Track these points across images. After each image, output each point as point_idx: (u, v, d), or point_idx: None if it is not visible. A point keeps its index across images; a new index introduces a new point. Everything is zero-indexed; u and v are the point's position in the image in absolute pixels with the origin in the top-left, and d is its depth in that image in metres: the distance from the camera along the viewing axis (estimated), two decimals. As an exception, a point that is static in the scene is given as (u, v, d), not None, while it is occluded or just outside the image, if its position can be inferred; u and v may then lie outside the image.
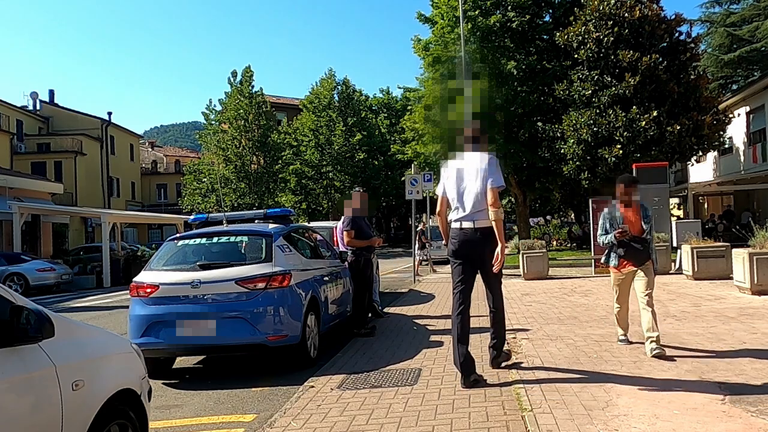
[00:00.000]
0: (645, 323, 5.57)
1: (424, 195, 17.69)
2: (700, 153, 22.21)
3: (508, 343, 6.11)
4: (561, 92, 21.36)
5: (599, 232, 6.01)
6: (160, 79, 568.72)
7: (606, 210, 5.96)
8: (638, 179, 6.01)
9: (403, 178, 24.40)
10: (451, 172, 5.23)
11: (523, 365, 5.42)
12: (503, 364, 5.47)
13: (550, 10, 25.35)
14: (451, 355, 6.10)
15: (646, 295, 5.64)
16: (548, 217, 45.32)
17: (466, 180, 5.11)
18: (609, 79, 20.08)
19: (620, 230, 5.68)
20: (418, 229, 19.99)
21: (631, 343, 6.04)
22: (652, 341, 5.45)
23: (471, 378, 4.93)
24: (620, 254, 5.81)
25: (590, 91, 20.39)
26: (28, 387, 2.55)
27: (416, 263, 17.81)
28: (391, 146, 41.05)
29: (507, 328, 5.80)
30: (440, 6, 24.87)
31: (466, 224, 5.03)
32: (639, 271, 5.74)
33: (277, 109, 45.58)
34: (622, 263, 5.82)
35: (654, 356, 5.32)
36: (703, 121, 19.65)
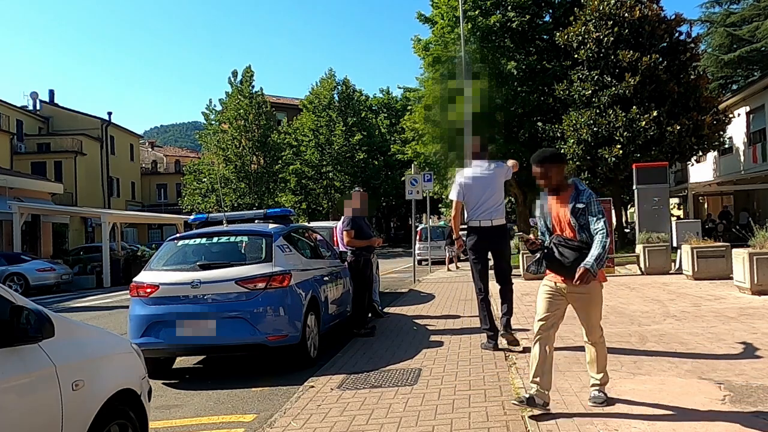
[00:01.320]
0: (587, 360, 4.22)
1: (424, 195, 17.68)
2: (700, 153, 22.22)
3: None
4: (561, 92, 21.37)
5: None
6: (160, 79, 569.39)
7: (537, 202, 4.29)
8: (560, 155, 4.22)
9: (403, 178, 24.40)
10: (469, 181, 6.13)
11: (523, 365, 5.42)
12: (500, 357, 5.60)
13: (550, 10, 25.36)
14: (451, 354, 6.18)
15: (590, 330, 4.10)
16: (548, 217, 45.28)
17: (484, 186, 6.09)
18: (609, 79, 20.09)
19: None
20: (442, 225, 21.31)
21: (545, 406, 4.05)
22: (594, 384, 4.14)
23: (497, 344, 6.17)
24: (542, 265, 4.15)
25: (590, 91, 20.40)
26: (28, 387, 2.55)
27: (452, 257, 20.58)
28: (391, 146, 41.06)
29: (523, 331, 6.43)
30: (440, 6, 24.88)
31: (485, 222, 6.08)
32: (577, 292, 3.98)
33: (277, 109, 45.57)
34: (549, 275, 4.12)
35: (592, 405, 4.08)
36: (703, 121, 19.66)
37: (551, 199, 4.11)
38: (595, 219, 3.93)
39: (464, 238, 6.34)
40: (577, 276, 3.76)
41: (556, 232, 4.07)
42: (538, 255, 4.15)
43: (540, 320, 4.09)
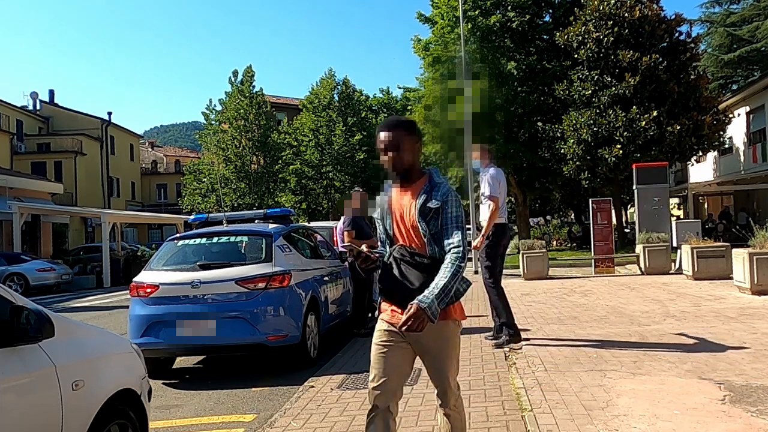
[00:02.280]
0: None
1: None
2: (700, 153, 22.23)
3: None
4: (561, 92, 21.38)
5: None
6: (160, 79, 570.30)
7: (378, 198, 2.90)
8: (416, 126, 2.86)
9: (403, 178, 24.33)
10: (502, 178, 6.51)
11: (523, 365, 5.42)
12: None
13: (550, 10, 25.38)
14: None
15: (443, 394, 2.77)
16: (548, 217, 45.32)
17: (505, 184, 6.59)
18: (609, 79, 20.11)
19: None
20: None
21: None
22: None
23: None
24: (378, 289, 2.90)
25: (590, 91, 20.41)
26: (28, 387, 2.55)
27: None
28: (392, 146, 40.96)
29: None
30: (440, 6, 24.88)
31: (503, 220, 6.51)
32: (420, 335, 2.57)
33: (277, 109, 45.56)
34: (384, 307, 2.78)
35: None
36: (703, 121, 19.67)
37: (396, 191, 2.79)
38: (451, 228, 2.63)
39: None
40: (404, 318, 2.43)
41: (399, 242, 2.74)
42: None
43: (375, 387, 2.75)
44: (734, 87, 31.60)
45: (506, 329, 6.30)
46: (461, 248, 2.59)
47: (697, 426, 3.63)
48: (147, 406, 3.45)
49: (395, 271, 2.68)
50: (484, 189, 6.43)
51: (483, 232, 6.36)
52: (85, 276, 23.30)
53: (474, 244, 6.47)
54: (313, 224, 13.04)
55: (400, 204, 2.75)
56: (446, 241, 2.62)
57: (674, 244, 14.15)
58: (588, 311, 8.43)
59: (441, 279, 2.51)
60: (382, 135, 2.70)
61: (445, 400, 2.78)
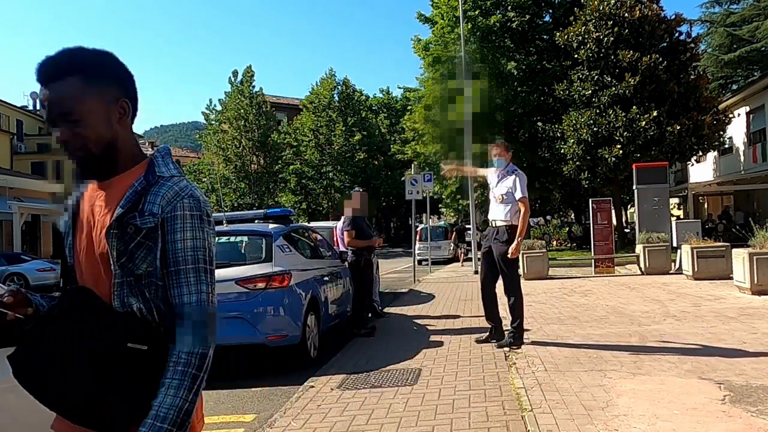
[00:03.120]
0: None
1: (424, 195, 17.67)
2: (700, 153, 22.25)
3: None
4: (561, 92, 21.39)
5: None
6: (160, 79, 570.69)
7: (70, 197, 1.60)
8: (98, 59, 1.41)
9: (403, 178, 24.40)
10: None
11: (523, 365, 5.42)
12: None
13: (550, 10, 25.41)
14: (451, 354, 6.21)
15: None
16: (548, 217, 45.33)
17: None
18: (609, 79, 20.12)
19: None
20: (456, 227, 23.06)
21: None
22: None
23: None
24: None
25: (590, 91, 20.43)
26: (28, 387, 2.55)
27: (460, 254, 22.38)
28: (391, 146, 41.11)
29: (507, 328, 6.44)
30: (440, 6, 24.91)
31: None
32: None
33: (277, 109, 45.54)
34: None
35: None
36: (703, 121, 19.69)
37: (91, 189, 1.53)
38: (183, 271, 1.41)
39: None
40: None
41: (82, 280, 1.53)
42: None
43: None
44: (734, 87, 31.59)
45: (514, 331, 6.25)
46: (206, 317, 1.45)
47: (697, 426, 3.63)
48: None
49: (53, 338, 1.38)
50: (514, 190, 6.16)
51: (518, 235, 6.07)
52: (85, 276, 23.28)
53: (511, 250, 6.07)
54: (313, 224, 13.05)
55: (91, 212, 1.49)
56: (175, 297, 1.40)
57: (674, 244, 14.14)
58: (588, 311, 8.43)
59: (166, 397, 1.41)
60: (42, 95, 1.41)
61: None
